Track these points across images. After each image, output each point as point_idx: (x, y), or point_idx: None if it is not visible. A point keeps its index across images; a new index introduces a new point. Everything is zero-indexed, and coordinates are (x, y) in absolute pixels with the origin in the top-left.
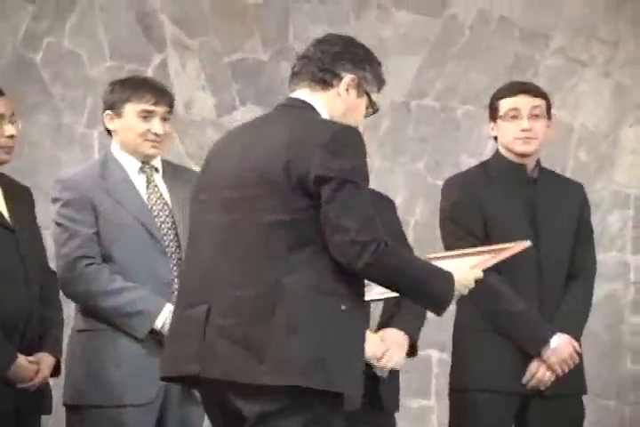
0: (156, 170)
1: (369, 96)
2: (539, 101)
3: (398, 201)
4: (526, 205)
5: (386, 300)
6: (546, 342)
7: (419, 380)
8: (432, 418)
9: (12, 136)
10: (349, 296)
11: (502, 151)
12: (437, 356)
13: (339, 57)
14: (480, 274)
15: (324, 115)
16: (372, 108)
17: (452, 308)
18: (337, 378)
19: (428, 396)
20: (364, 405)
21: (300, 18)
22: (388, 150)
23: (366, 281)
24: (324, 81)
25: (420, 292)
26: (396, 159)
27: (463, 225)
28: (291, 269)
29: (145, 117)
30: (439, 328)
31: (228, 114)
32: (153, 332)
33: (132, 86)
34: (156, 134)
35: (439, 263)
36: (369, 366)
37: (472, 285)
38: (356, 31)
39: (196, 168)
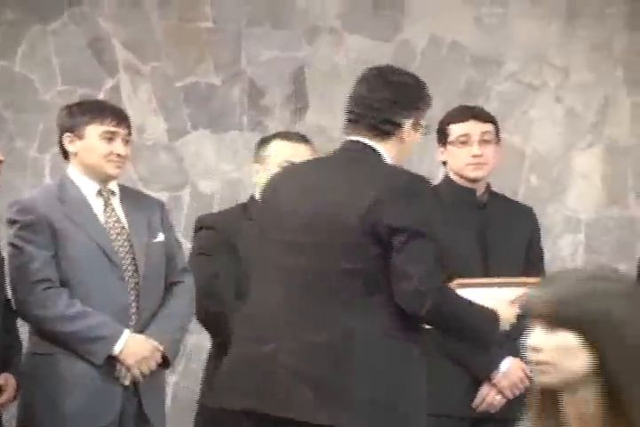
0: (113, 193)
1: (422, 125)
2: (488, 127)
3: None
4: (476, 230)
5: None
6: (496, 366)
7: None
8: None
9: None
10: (418, 341)
11: (452, 176)
12: None
13: (396, 105)
14: (518, 311)
15: (387, 158)
16: (423, 130)
17: None
18: (412, 422)
19: None
20: None
21: (253, 42)
22: None
23: None
24: (387, 132)
25: (469, 334)
26: None
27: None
28: (362, 316)
29: (108, 139)
30: None
31: (181, 138)
32: (110, 357)
33: (93, 108)
34: (119, 155)
35: (467, 291)
36: None
37: (513, 321)
38: (309, 56)
39: (148, 192)
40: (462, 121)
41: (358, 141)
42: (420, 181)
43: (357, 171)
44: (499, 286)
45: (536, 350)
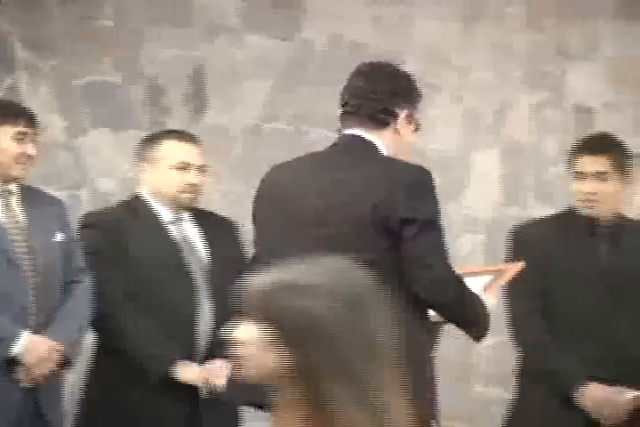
0: (11, 193)
1: (416, 122)
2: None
3: (251, 225)
4: None
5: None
6: None
7: None
8: None
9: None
10: (424, 327)
11: None
12: None
13: (393, 95)
14: (495, 301)
15: (384, 151)
16: (417, 129)
17: None
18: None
19: None
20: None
21: (152, 41)
22: (240, 174)
23: None
24: (383, 121)
25: (474, 321)
26: (249, 183)
27: None
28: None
29: (20, 140)
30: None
31: (80, 136)
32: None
33: (4, 110)
34: (29, 156)
35: None
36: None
37: (494, 310)
38: (208, 55)
39: (48, 190)
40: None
41: (355, 135)
42: (426, 174)
43: (366, 166)
44: (473, 274)
45: (237, 343)
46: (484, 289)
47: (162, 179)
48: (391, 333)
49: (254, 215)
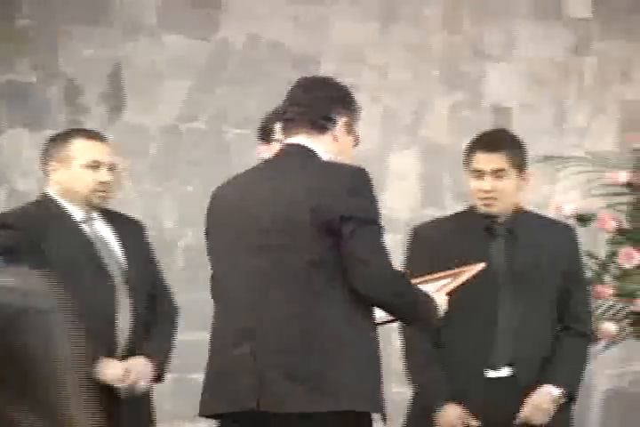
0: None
1: (354, 132)
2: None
3: (169, 225)
4: None
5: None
6: None
7: (187, 404)
8: None
9: (105, 182)
10: (371, 324)
11: None
12: None
13: (332, 102)
14: (445, 298)
15: (324, 157)
16: (356, 141)
17: None
18: (381, 401)
19: (197, 420)
20: None
21: (71, 40)
22: (157, 174)
23: None
24: (322, 127)
25: (419, 317)
26: (167, 183)
27: None
28: (330, 305)
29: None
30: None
31: None
32: None
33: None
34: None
35: None
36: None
37: (445, 308)
38: (127, 54)
39: None
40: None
41: (296, 144)
42: (364, 174)
43: (306, 173)
44: (431, 281)
45: None
46: (439, 289)
47: (73, 178)
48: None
49: (207, 232)
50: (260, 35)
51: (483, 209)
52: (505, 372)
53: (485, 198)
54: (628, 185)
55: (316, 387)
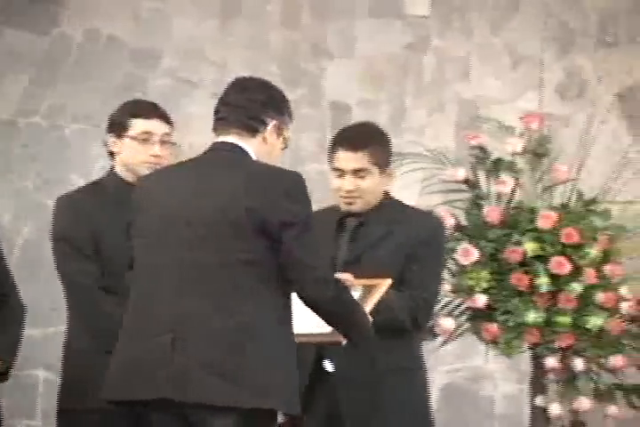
0: None
1: (283, 135)
2: (169, 128)
3: (5, 220)
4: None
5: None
6: None
7: (24, 400)
8: None
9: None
10: (291, 329)
11: (119, 169)
12: (44, 375)
13: (264, 106)
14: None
15: (254, 157)
16: (285, 144)
17: (62, 328)
18: (297, 403)
19: (34, 416)
20: None
21: None
22: None
23: None
24: (253, 128)
25: (354, 326)
26: (4, 178)
27: (74, 245)
28: (257, 304)
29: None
30: (46, 348)
31: None
32: None
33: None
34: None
35: None
36: None
37: (371, 319)
38: None
39: None
40: (149, 118)
41: (227, 142)
42: (300, 179)
43: (240, 171)
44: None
45: None
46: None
47: None
48: None
49: (131, 222)
50: (100, 30)
51: (344, 207)
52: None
53: (347, 197)
54: (466, 182)
55: (235, 382)
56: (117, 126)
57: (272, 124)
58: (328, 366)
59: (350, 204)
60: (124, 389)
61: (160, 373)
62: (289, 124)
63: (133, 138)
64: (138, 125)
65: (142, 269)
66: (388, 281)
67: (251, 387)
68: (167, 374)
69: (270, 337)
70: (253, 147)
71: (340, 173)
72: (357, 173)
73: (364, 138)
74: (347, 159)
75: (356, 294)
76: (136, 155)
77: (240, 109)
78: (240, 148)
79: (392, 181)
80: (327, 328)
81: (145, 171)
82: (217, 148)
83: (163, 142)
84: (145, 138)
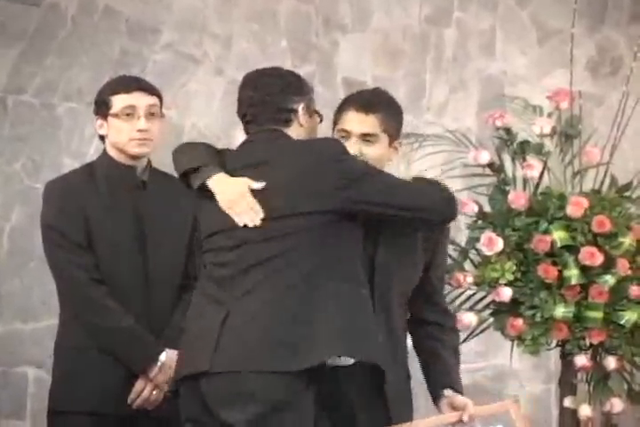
0: None
1: (315, 111)
2: (155, 100)
3: None
4: (133, 210)
5: None
6: (153, 359)
7: (12, 399)
8: None
9: (142, 130)
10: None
11: (111, 152)
12: (34, 374)
13: (285, 94)
14: None
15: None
16: (320, 118)
17: (54, 322)
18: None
19: (23, 417)
20: None
21: None
22: None
23: None
24: (285, 119)
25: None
26: None
27: (64, 232)
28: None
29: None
30: (36, 344)
31: None
32: None
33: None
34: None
35: None
36: None
37: None
38: None
39: None
40: (127, 92)
41: (266, 129)
42: (337, 141)
43: (288, 149)
44: None
45: None
46: None
47: None
48: None
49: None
50: (95, 1)
51: None
52: None
53: None
54: (490, 166)
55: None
56: (101, 107)
57: (300, 107)
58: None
59: None
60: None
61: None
62: (313, 100)
63: (116, 115)
64: (119, 101)
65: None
66: (512, 404)
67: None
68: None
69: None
70: (292, 134)
71: (346, 134)
72: (365, 137)
73: (377, 102)
74: (356, 121)
75: None
76: (121, 133)
77: (265, 106)
78: (280, 131)
79: (395, 157)
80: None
81: (135, 149)
82: (259, 136)
83: (150, 115)
84: (128, 113)
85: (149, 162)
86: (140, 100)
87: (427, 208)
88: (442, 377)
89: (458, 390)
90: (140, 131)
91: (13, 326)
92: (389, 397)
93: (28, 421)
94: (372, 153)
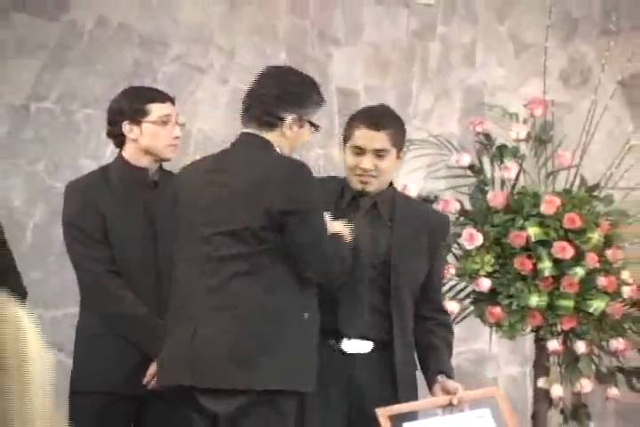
0: None
1: (310, 122)
2: (175, 108)
3: (17, 203)
4: (145, 208)
5: None
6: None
7: None
8: None
9: (177, 137)
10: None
11: (129, 155)
12: (55, 357)
13: (279, 101)
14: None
15: (277, 148)
16: (315, 128)
17: (72, 310)
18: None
19: None
20: None
21: None
22: (5, 153)
23: None
24: (269, 123)
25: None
26: (15, 161)
27: (83, 229)
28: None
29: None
30: (57, 330)
31: None
32: None
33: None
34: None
35: None
36: None
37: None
38: None
39: None
40: (164, 102)
41: (251, 134)
42: (302, 166)
43: (251, 161)
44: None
45: None
46: None
47: None
48: None
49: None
50: (109, 17)
51: (359, 186)
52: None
53: (363, 176)
54: (470, 168)
55: (241, 366)
56: (135, 113)
57: (290, 118)
58: (345, 345)
59: (366, 183)
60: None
61: (185, 361)
62: (315, 111)
63: (154, 122)
64: (156, 110)
65: (179, 260)
66: (497, 391)
67: (259, 369)
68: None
69: (284, 324)
70: (273, 139)
71: (360, 151)
72: (378, 152)
73: (386, 118)
74: (369, 138)
75: (487, 413)
76: (159, 139)
77: (257, 104)
78: (262, 139)
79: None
80: None
81: (169, 153)
82: (241, 140)
83: (177, 124)
84: (164, 120)
85: (160, 164)
86: (172, 110)
87: (327, 270)
88: (436, 365)
89: (450, 376)
90: (176, 138)
91: (35, 313)
92: (398, 381)
93: None
94: (384, 166)
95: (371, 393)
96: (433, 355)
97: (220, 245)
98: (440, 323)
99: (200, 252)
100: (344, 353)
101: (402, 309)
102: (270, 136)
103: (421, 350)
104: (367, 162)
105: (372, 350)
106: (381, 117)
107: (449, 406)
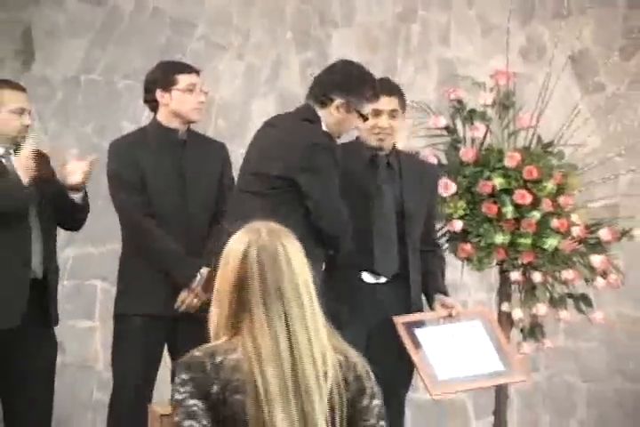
0: None
1: (358, 112)
2: (200, 79)
3: (69, 159)
4: (175, 162)
5: None
6: (194, 274)
7: (85, 305)
8: (95, 336)
9: (202, 102)
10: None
11: (162, 118)
12: (101, 285)
13: (333, 86)
14: None
15: (324, 124)
16: (363, 118)
17: (115, 246)
18: None
19: (93, 318)
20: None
21: None
22: (61, 116)
23: None
24: (322, 101)
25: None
26: (69, 124)
27: (124, 179)
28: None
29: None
30: (102, 262)
31: None
32: None
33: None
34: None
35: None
36: None
37: None
38: (31, 17)
39: None
40: (189, 73)
41: (308, 106)
42: (326, 136)
43: (294, 125)
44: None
45: None
46: None
47: (3, 121)
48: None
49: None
50: (146, 2)
51: (376, 143)
52: None
53: (380, 134)
54: (446, 128)
55: None
56: (166, 82)
57: (338, 101)
58: (367, 277)
59: (382, 140)
60: None
61: None
62: (363, 104)
63: (182, 90)
64: (183, 80)
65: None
66: (484, 309)
67: None
68: None
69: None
70: (322, 114)
71: (378, 112)
72: (392, 113)
73: (394, 86)
74: (385, 101)
75: (478, 324)
76: (186, 104)
77: (319, 84)
78: (313, 110)
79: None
80: (500, 366)
81: (195, 116)
82: (299, 108)
83: (201, 92)
84: (191, 89)
85: (189, 125)
86: (198, 79)
87: (333, 226)
88: (435, 285)
89: (446, 294)
90: (201, 102)
91: (86, 249)
92: (412, 304)
93: (97, 321)
94: (397, 124)
95: (390, 309)
96: (432, 279)
97: (247, 183)
98: (436, 254)
99: (239, 185)
100: (367, 283)
101: (414, 249)
102: (321, 113)
103: (422, 276)
104: (384, 121)
105: (389, 281)
106: (391, 84)
107: (448, 318)
